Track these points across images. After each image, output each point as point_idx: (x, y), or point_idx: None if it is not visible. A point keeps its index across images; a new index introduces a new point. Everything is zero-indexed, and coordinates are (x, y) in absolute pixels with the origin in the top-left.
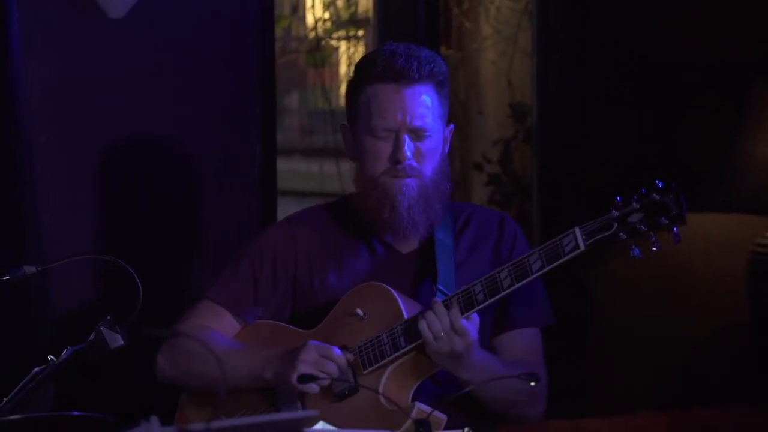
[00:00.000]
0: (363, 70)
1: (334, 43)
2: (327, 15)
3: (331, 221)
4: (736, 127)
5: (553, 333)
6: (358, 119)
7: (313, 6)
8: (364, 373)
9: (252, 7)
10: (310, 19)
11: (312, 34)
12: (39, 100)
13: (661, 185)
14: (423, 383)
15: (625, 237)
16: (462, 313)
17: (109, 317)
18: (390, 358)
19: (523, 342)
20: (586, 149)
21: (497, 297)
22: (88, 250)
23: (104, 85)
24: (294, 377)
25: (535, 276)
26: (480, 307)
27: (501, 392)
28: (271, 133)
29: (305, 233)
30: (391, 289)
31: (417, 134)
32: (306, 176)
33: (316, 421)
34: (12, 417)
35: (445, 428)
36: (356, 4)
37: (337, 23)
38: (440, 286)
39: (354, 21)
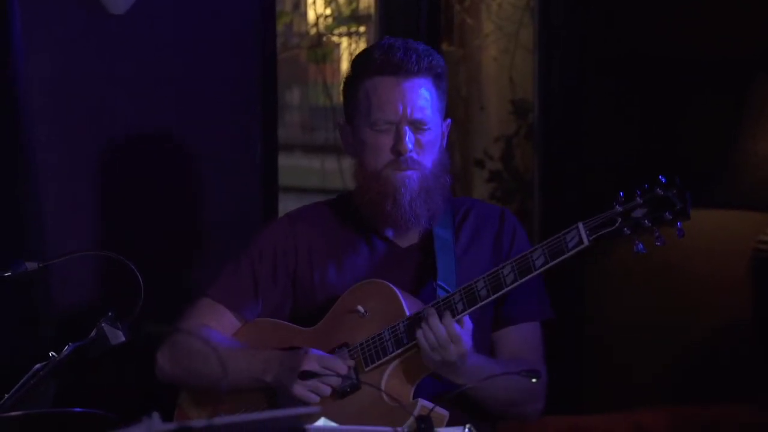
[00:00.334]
0: (361, 64)
1: (335, 39)
2: (328, 11)
3: (332, 217)
4: (737, 123)
5: (552, 330)
6: (358, 114)
7: (314, 2)
8: (366, 370)
9: (253, 3)
10: (311, 15)
11: (313, 31)
12: (40, 97)
13: (664, 180)
14: (425, 379)
15: (629, 232)
16: (460, 313)
17: (110, 314)
18: (392, 355)
19: (522, 337)
20: (588, 146)
21: (501, 293)
22: (89, 247)
23: (106, 82)
24: (294, 387)
25: (538, 272)
26: (483, 303)
27: (500, 391)
28: (272, 129)
29: (305, 230)
30: (392, 286)
31: (417, 126)
32: (307, 172)
33: (317, 417)
34: (13, 413)
35: (446, 425)
36: (357, 0)
37: (339, 19)
38: (440, 282)
39: (355, 17)
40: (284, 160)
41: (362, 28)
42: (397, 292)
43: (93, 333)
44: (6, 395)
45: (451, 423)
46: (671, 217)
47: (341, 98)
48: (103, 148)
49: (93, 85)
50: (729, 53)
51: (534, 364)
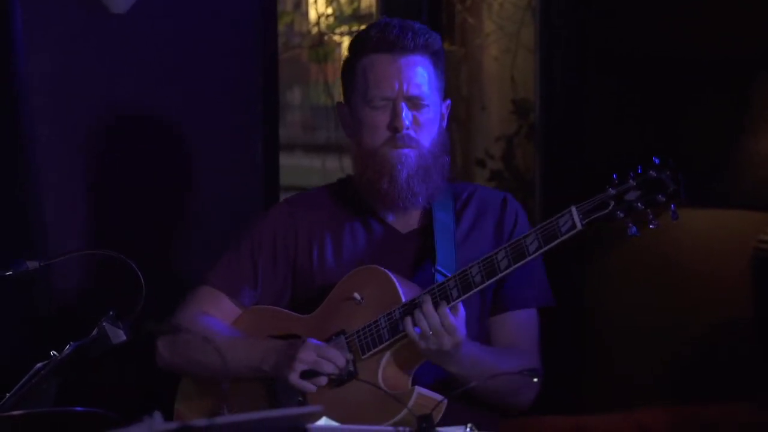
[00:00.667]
0: (358, 43)
1: (336, 38)
2: (330, 10)
3: (331, 202)
4: (738, 123)
5: (552, 327)
6: (355, 92)
7: (315, 2)
8: (363, 358)
9: (254, 3)
10: (312, 15)
11: (315, 30)
12: (41, 96)
13: (657, 161)
14: (423, 366)
15: (622, 215)
16: (455, 299)
17: (111, 313)
18: (388, 342)
19: (517, 324)
20: (589, 145)
21: (495, 278)
22: (90, 246)
23: (107, 81)
24: (292, 376)
25: (532, 257)
26: (477, 289)
27: (494, 384)
28: (273, 128)
29: (305, 215)
30: (388, 272)
31: (414, 103)
32: (308, 172)
33: (319, 417)
34: (15, 412)
35: (447, 423)
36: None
37: (340, 19)
38: (439, 267)
39: (357, 16)
40: (285, 160)
41: (363, 28)
42: (393, 278)
43: (94, 332)
44: (7, 394)
45: (451, 420)
46: (664, 199)
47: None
48: (104, 147)
49: (94, 84)
50: (730, 52)
51: (528, 351)
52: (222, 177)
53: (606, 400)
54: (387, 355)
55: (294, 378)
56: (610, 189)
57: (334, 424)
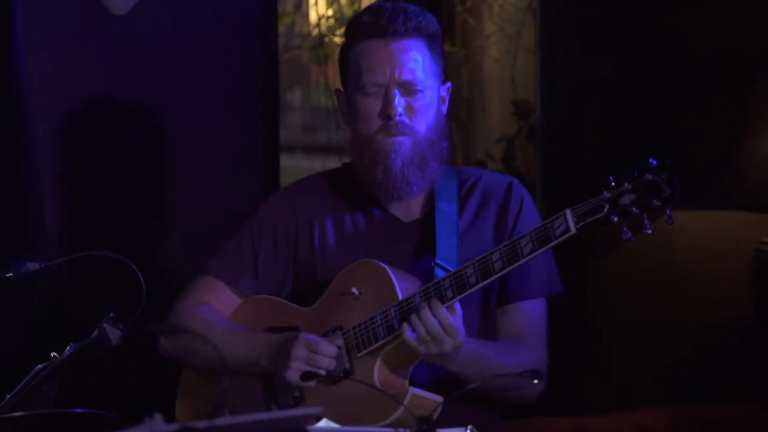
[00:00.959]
0: (351, 29)
1: (337, 40)
2: (330, 12)
3: (333, 189)
4: (739, 123)
5: (553, 328)
6: (349, 79)
7: (316, 3)
8: (359, 355)
9: (255, 4)
10: (313, 16)
11: (315, 31)
12: (41, 98)
13: (654, 163)
14: (420, 364)
15: (616, 219)
16: (449, 300)
17: (111, 314)
18: (384, 341)
19: (524, 315)
20: (589, 146)
21: (489, 280)
22: (90, 247)
23: (107, 82)
24: (289, 373)
25: (526, 259)
26: (473, 289)
27: (496, 382)
28: (273, 130)
29: (306, 202)
30: (386, 267)
31: (407, 89)
32: (309, 173)
33: (318, 419)
34: (15, 414)
35: (447, 424)
36: (359, 1)
37: (341, 20)
38: (439, 261)
39: None
40: (286, 161)
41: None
42: (391, 273)
43: (94, 333)
44: (8, 396)
45: (451, 418)
46: (659, 204)
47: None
48: (105, 148)
49: (94, 85)
50: (731, 53)
51: (534, 344)
52: (222, 178)
53: (607, 400)
54: (382, 353)
55: (290, 375)
56: (605, 192)
57: (334, 425)
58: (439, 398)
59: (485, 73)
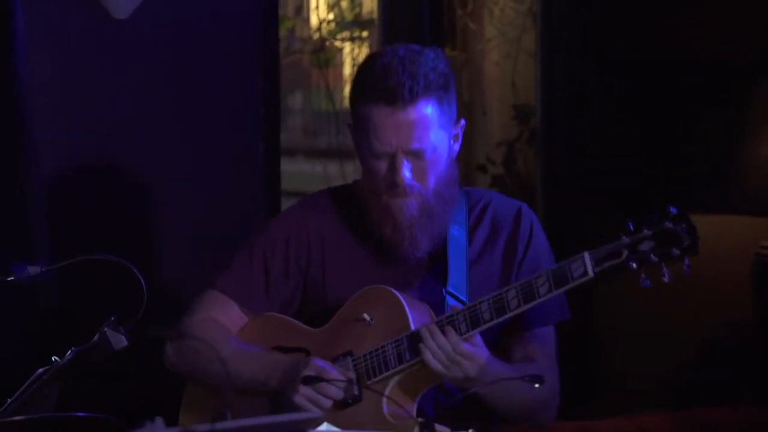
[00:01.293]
0: (359, 84)
1: (338, 44)
2: (331, 16)
3: (344, 210)
4: (740, 127)
5: (559, 334)
6: (358, 132)
7: (317, 7)
8: (369, 383)
9: (256, 8)
10: (314, 20)
11: (316, 35)
12: (43, 101)
13: (674, 211)
14: (427, 393)
15: (635, 266)
16: (464, 333)
17: (113, 318)
18: (394, 370)
19: (535, 342)
20: (590, 151)
21: (504, 317)
22: (91, 251)
23: (108, 86)
24: (297, 398)
25: (542, 299)
26: (487, 325)
27: (512, 397)
28: (274, 133)
29: (318, 220)
30: (399, 295)
31: (415, 155)
32: (309, 177)
33: (320, 423)
34: (16, 418)
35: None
36: (360, 5)
37: (342, 24)
38: (451, 289)
39: (358, 22)
40: (286, 165)
41: (365, 33)
42: (404, 302)
43: (96, 337)
44: (9, 399)
45: (454, 427)
46: (679, 253)
47: (347, 102)
48: (106, 152)
49: (96, 89)
50: (732, 56)
51: (546, 369)
52: (223, 181)
53: (609, 403)
54: (393, 381)
55: (298, 399)
56: (624, 237)
57: (334, 429)
58: (446, 430)
59: (486, 77)
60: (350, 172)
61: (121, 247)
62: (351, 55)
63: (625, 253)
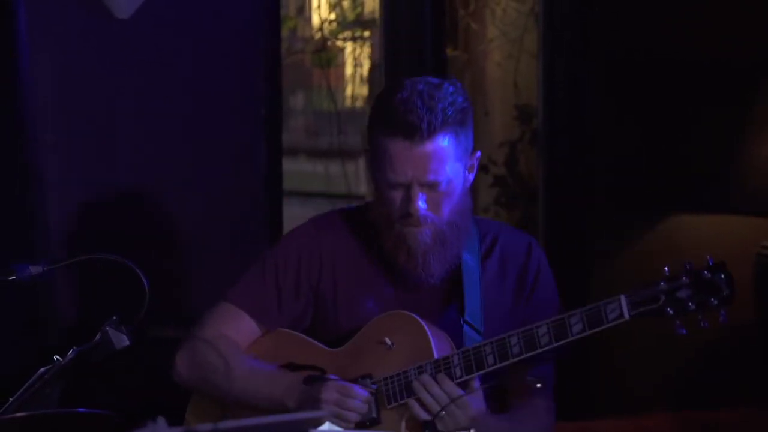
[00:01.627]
0: (377, 116)
1: (340, 44)
2: (333, 16)
3: (359, 230)
4: (741, 128)
5: None
6: (374, 161)
7: (319, 7)
8: (388, 407)
9: (258, 8)
10: (315, 20)
11: (318, 35)
12: (45, 101)
13: (711, 262)
14: None
15: (671, 313)
16: (489, 366)
17: (114, 317)
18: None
19: (533, 374)
20: (592, 151)
21: (534, 353)
22: (93, 250)
23: (110, 86)
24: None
25: (574, 338)
26: (514, 360)
27: None
28: (276, 133)
29: (331, 241)
30: (423, 322)
31: (430, 187)
32: (311, 177)
33: (322, 422)
34: (18, 414)
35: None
36: (362, 5)
37: (343, 24)
38: (468, 318)
39: (360, 22)
40: (288, 165)
41: (367, 33)
42: (427, 330)
43: (97, 337)
44: (11, 398)
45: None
46: (716, 303)
47: (348, 102)
48: (107, 152)
49: (97, 89)
50: (734, 57)
51: (544, 406)
52: (225, 181)
53: (611, 404)
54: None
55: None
56: (662, 283)
57: (336, 429)
58: None
59: (488, 77)
60: (352, 172)
61: (122, 246)
62: (353, 55)
63: (662, 298)
